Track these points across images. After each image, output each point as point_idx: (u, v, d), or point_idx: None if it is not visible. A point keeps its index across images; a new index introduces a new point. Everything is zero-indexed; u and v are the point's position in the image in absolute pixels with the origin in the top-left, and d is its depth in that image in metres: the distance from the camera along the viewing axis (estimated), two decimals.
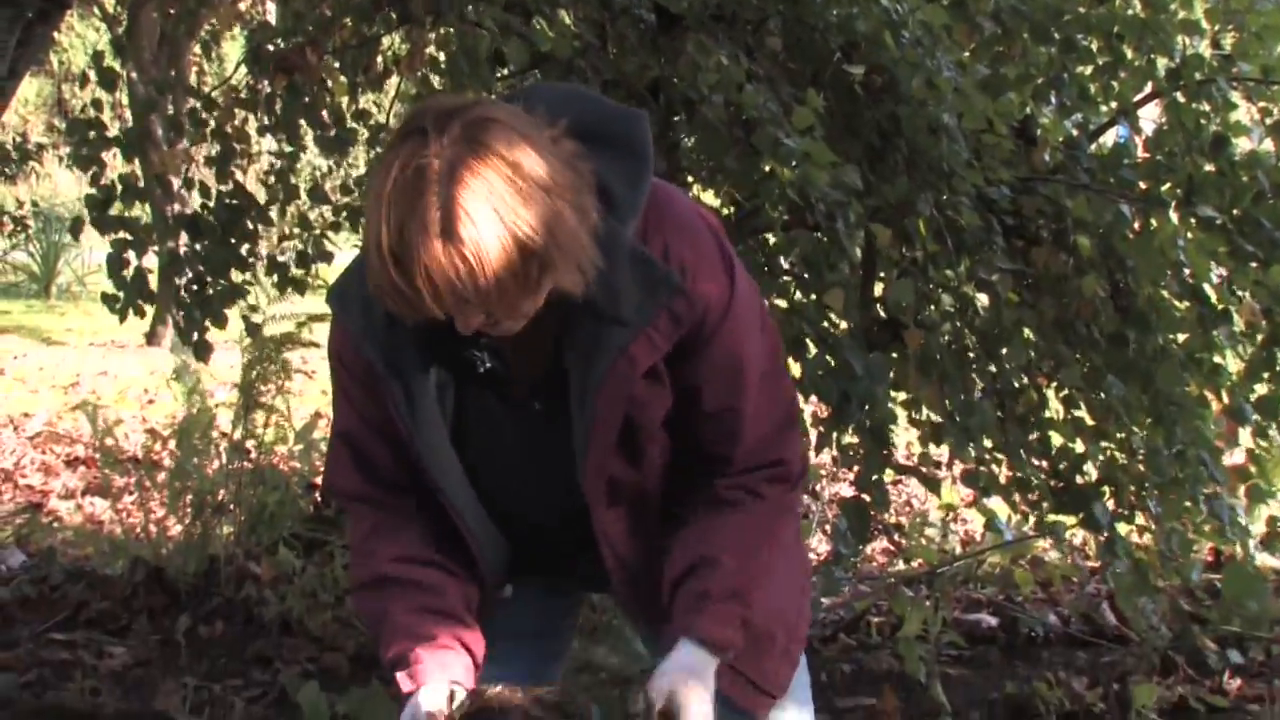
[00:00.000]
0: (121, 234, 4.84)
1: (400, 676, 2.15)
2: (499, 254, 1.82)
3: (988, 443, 4.43)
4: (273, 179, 5.38)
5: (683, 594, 2.17)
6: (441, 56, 5.39)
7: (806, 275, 4.48)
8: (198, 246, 4.96)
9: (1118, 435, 4.55)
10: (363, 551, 2.29)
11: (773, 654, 2.32)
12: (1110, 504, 4.51)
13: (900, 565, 6.31)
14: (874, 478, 4.14)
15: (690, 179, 4.84)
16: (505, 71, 4.80)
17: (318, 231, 5.48)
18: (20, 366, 11.39)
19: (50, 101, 23.04)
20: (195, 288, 5.00)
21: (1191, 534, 4.73)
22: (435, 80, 5.39)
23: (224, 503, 5.51)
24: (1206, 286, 4.47)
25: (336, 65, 5.22)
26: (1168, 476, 4.43)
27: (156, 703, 4.39)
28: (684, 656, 2.12)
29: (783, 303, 4.38)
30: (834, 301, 4.06)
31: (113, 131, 5.02)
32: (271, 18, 5.38)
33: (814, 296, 4.33)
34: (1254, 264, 4.32)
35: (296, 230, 5.50)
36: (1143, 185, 4.49)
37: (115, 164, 5.14)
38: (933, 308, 4.43)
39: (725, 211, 4.72)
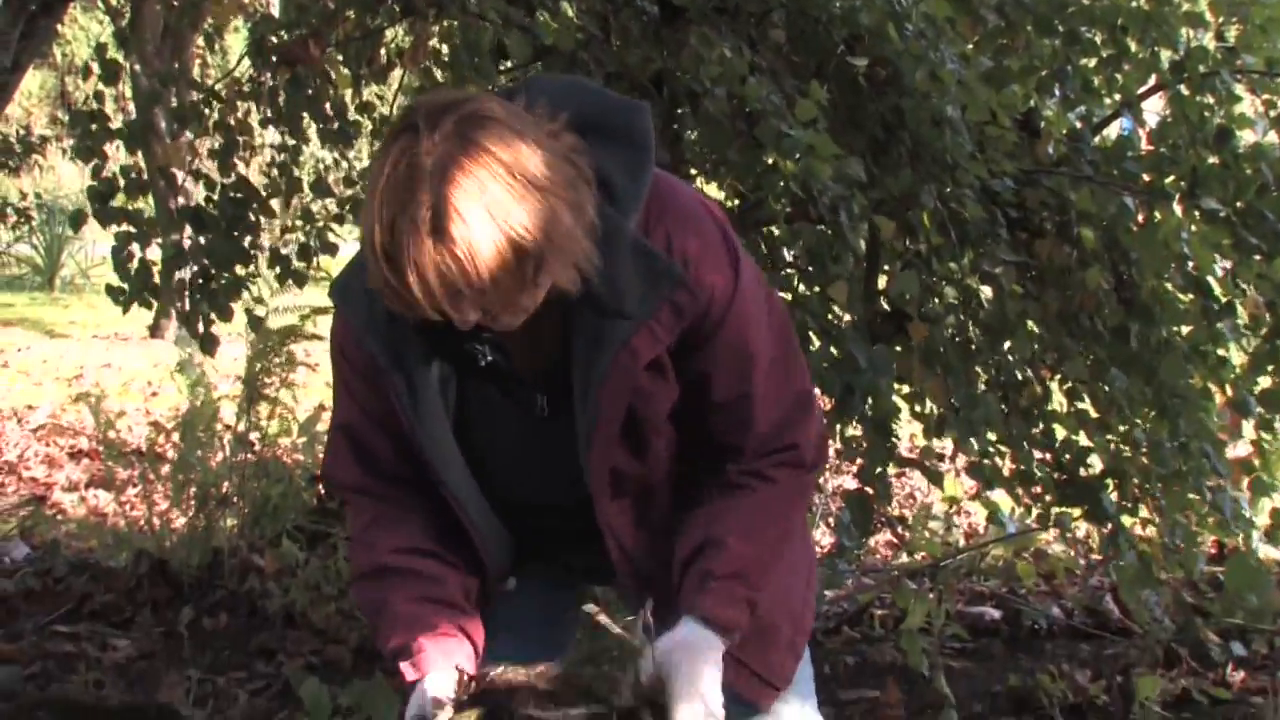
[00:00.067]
0: (125, 226, 4.84)
1: (404, 666, 2.15)
2: (491, 253, 1.81)
3: (991, 435, 4.42)
4: (275, 172, 5.38)
5: (689, 575, 2.17)
6: (444, 49, 5.39)
7: (810, 268, 4.48)
8: (202, 239, 4.96)
9: (1121, 428, 4.55)
10: (362, 543, 2.29)
11: (778, 645, 2.32)
12: (1114, 497, 4.51)
13: (903, 558, 6.32)
14: (877, 470, 4.14)
15: (694, 171, 4.84)
16: (508, 64, 4.80)
17: (320, 224, 5.48)
18: (24, 359, 11.40)
19: (54, 94, 23.06)
20: (200, 281, 5.00)
21: (1195, 527, 4.73)
22: (438, 73, 5.39)
23: (227, 495, 5.51)
24: (1210, 279, 4.46)
25: (340, 58, 5.22)
26: (1171, 469, 4.43)
27: (160, 695, 4.39)
28: (683, 632, 2.11)
29: (786, 295, 4.38)
30: (837, 294, 4.06)
31: (116, 124, 5.02)
32: (275, 10, 5.37)
33: (817, 289, 4.33)
34: (1258, 256, 4.32)
35: (299, 223, 5.50)
36: (1146, 178, 4.48)
37: (118, 156, 5.13)
38: (936, 300, 4.44)
39: (729, 204, 4.72)
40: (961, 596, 5.55)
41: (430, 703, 2.06)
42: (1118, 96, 4.86)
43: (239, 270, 5.02)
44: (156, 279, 4.98)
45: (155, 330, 12.25)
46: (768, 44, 4.32)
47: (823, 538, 6.08)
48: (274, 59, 4.96)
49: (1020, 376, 4.59)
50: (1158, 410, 4.44)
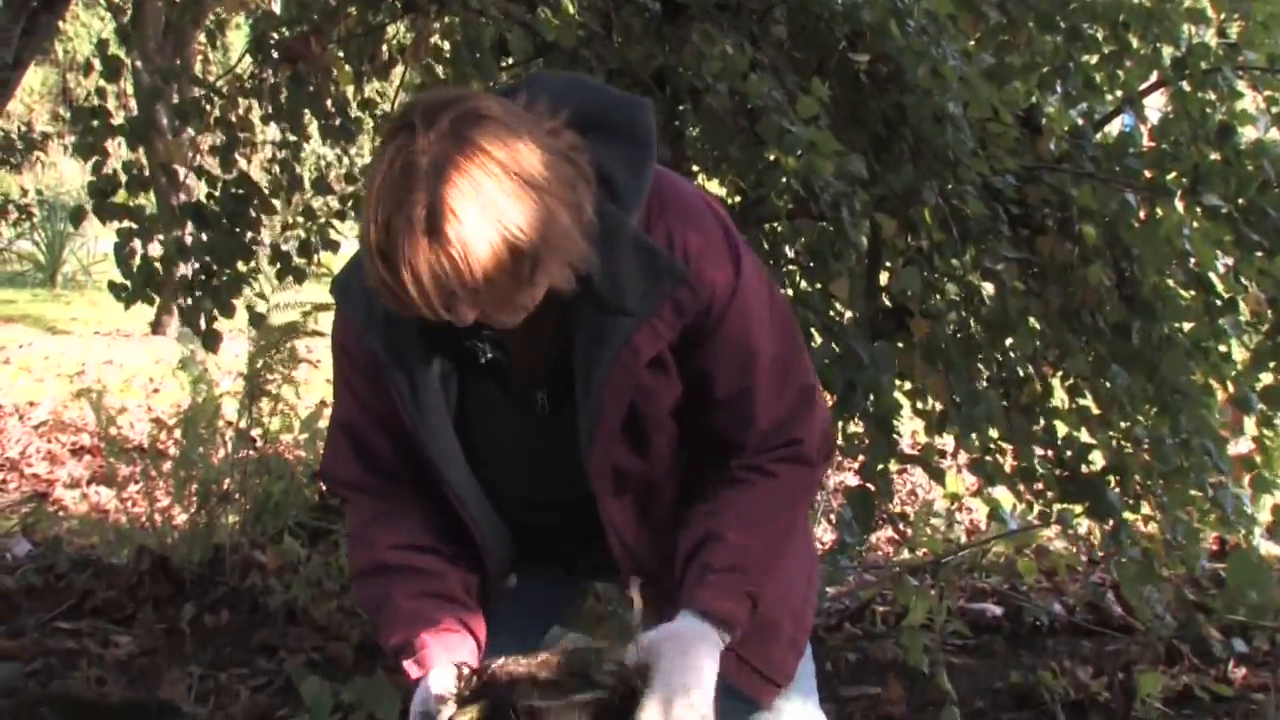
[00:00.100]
0: (127, 223, 4.84)
1: (407, 663, 2.15)
2: (485, 252, 1.81)
3: (993, 432, 4.42)
4: (277, 168, 5.38)
5: (689, 569, 2.17)
6: (446, 46, 5.39)
7: (812, 264, 4.48)
8: (203, 236, 4.96)
9: (1122, 424, 4.54)
10: (361, 540, 2.29)
11: (779, 642, 2.31)
12: (1116, 493, 4.51)
13: (905, 554, 6.31)
14: (879, 467, 4.14)
15: (695, 168, 4.84)
16: (510, 61, 4.80)
17: (322, 220, 5.48)
18: (26, 355, 11.40)
19: (55, 90, 23.04)
20: (202, 277, 5.00)
21: (1196, 523, 4.73)
22: (440, 70, 5.38)
23: (229, 492, 5.52)
24: (1212, 275, 4.46)
25: (341, 54, 5.22)
26: (1172, 466, 4.43)
27: (162, 691, 4.39)
28: (678, 624, 2.10)
29: (788, 292, 4.38)
30: (839, 290, 4.06)
31: (117, 120, 5.02)
32: (276, 6, 5.37)
33: (819, 285, 4.33)
34: (1259, 253, 4.32)
35: (300, 219, 5.50)
36: (1148, 174, 4.48)
37: (120, 152, 5.13)
38: (938, 297, 4.43)
39: (730, 201, 4.72)
40: (963, 593, 5.55)
41: (434, 699, 2.06)
42: (1119, 93, 4.85)
43: (240, 267, 5.02)
44: (159, 275, 4.98)
45: (157, 327, 12.24)
46: (769, 40, 4.32)
47: (825, 534, 6.07)
48: (275, 56, 4.96)
49: (1022, 373, 4.59)
50: (1159, 407, 4.43)
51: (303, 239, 5.36)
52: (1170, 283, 4.53)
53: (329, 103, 5.18)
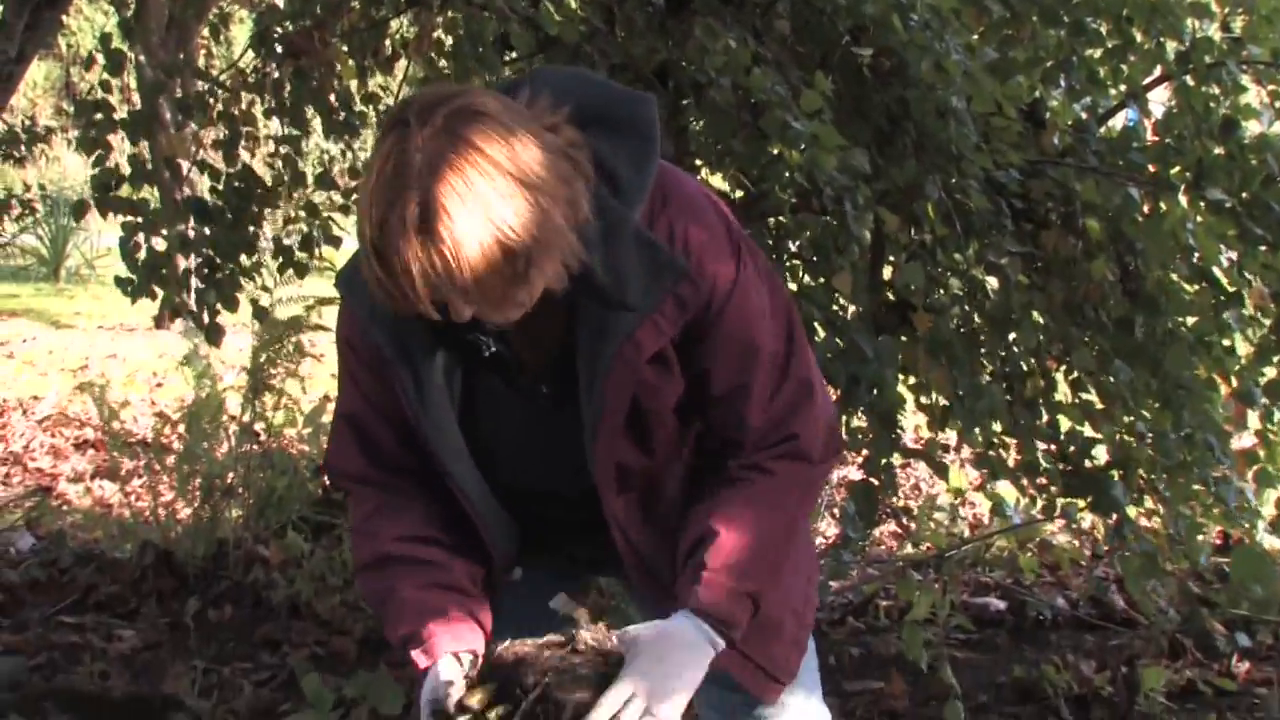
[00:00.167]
0: (130, 216, 4.84)
1: (415, 654, 2.15)
2: (476, 251, 1.81)
3: (996, 426, 4.42)
4: (279, 163, 5.37)
5: (686, 569, 2.17)
6: (449, 40, 5.39)
7: (815, 259, 4.48)
8: (206, 230, 4.96)
9: (1125, 419, 4.54)
10: (365, 532, 2.29)
11: (781, 639, 2.31)
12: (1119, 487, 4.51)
13: (908, 549, 6.32)
14: (882, 461, 4.14)
15: (699, 163, 4.83)
16: (512, 56, 4.79)
17: (325, 215, 5.47)
18: (29, 350, 11.39)
19: (58, 85, 23.04)
20: (205, 271, 5.01)
21: (1200, 517, 4.73)
22: (442, 64, 5.38)
23: (233, 486, 5.52)
24: (1216, 270, 4.46)
25: (344, 49, 5.21)
26: (1176, 460, 4.43)
27: (165, 686, 4.40)
28: (668, 623, 2.10)
29: (791, 286, 4.38)
30: (842, 285, 4.06)
31: (121, 114, 5.02)
32: (280, 1, 5.36)
33: (822, 280, 4.33)
34: (1263, 247, 4.31)
35: (302, 214, 5.50)
36: (1152, 168, 4.48)
37: (123, 146, 5.13)
38: (941, 291, 4.43)
39: (733, 195, 4.71)
40: (966, 587, 5.55)
41: (442, 685, 2.07)
42: (1123, 87, 4.85)
43: (244, 261, 5.02)
44: (164, 269, 4.99)
45: (160, 321, 12.23)
46: (773, 35, 4.31)
47: (828, 528, 6.08)
48: (279, 50, 4.95)
49: (1025, 367, 4.59)
50: (1162, 401, 4.43)
51: (305, 233, 5.35)
52: (1174, 277, 4.53)
53: (332, 97, 5.18)
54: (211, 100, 5.15)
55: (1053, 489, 4.61)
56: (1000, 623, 5.29)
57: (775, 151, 3.85)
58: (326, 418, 5.69)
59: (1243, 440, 4.97)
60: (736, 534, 2.14)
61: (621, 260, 2.01)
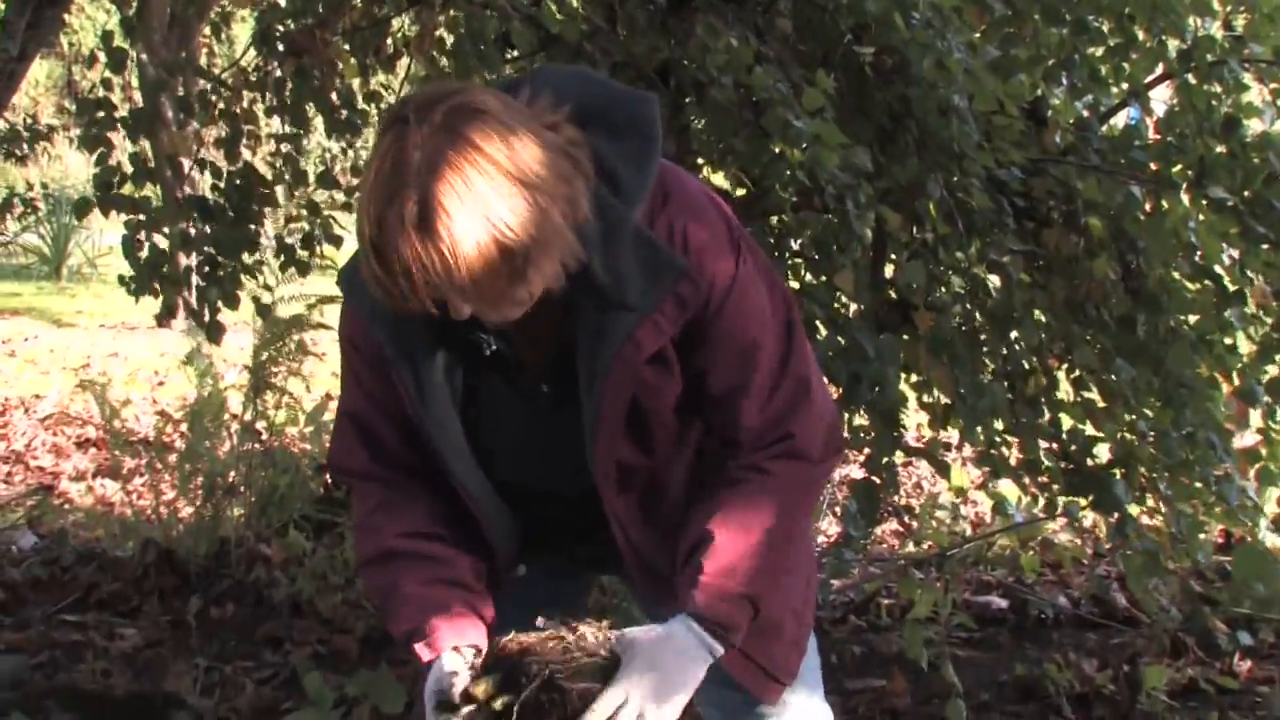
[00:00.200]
0: (133, 214, 4.84)
1: (418, 647, 2.16)
2: (474, 250, 1.81)
3: (998, 424, 4.42)
4: (280, 163, 5.37)
5: (684, 573, 2.17)
6: (450, 39, 5.38)
7: (816, 257, 4.48)
8: (207, 228, 4.96)
9: (1127, 417, 4.54)
10: (368, 527, 2.30)
11: (782, 640, 2.31)
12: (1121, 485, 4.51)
13: (910, 547, 6.32)
14: (884, 460, 4.14)
15: (700, 161, 4.83)
16: (514, 54, 4.79)
17: (326, 214, 5.47)
18: (31, 348, 11.40)
19: (60, 83, 23.06)
20: (206, 269, 5.01)
21: (1202, 516, 4.72)
22: (444, 62, 5.38)
23: (234, 485, 5.52)
24: (1218, 268, 4.46)
25: (346, 47, 5.21)
26: (1177, 458, 4.42)
27: (167, 684, 4.40)
28: (665, 629, 2.10)
29: (793, 284, 4.38)
30: (844, 283, 4.05)
31: (122, 112, 5.02)
32: None
33: (824, 278, 4.33)
34: (1265, 245, 4.31)
35: (303, 213, 5.50)
36: (1154, 167, 4.47)
37: (125, 144, 5.13)
38: (943, 289, 4.43)
39: (735, 194, 4.71)
40: (968, 586, 5.55)
41: (447, 676, 2.07)
42: (1125, 85, 4.85)
43: (245, 258, 5.02)
44: (166, 267, 4.99)
45: (162, 320, 12.23)
46: (774, 33, 4.31)
47: (830, 527, 6.08)
48: (281, 48, 4.95)
49: (1027, 366, 4.58)
50: (1164, 399, 4.43)
51: (306, 231, 5.35)
52: (1176, 275, 4.53)
53: (334, 96, 5.18)
54: (214, 98, 5.15)
55: (1054, 487, 4.61)
56: (1002, 621, 5.29)
57: (777, 150, 3.85)
58: (328, 416, 5.69)
59: (1245, 439, 4.97)
60: (734, 537, 2.14)
61: (621, 260, 2.01)
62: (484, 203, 1.81)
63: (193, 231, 4.98)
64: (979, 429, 4.29)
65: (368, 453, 2.29)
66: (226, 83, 5.20)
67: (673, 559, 2.22)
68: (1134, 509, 4.62)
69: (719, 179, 4.92)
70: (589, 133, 2.00)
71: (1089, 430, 4.56)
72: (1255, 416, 4.78)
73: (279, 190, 5.30)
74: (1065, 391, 4.66)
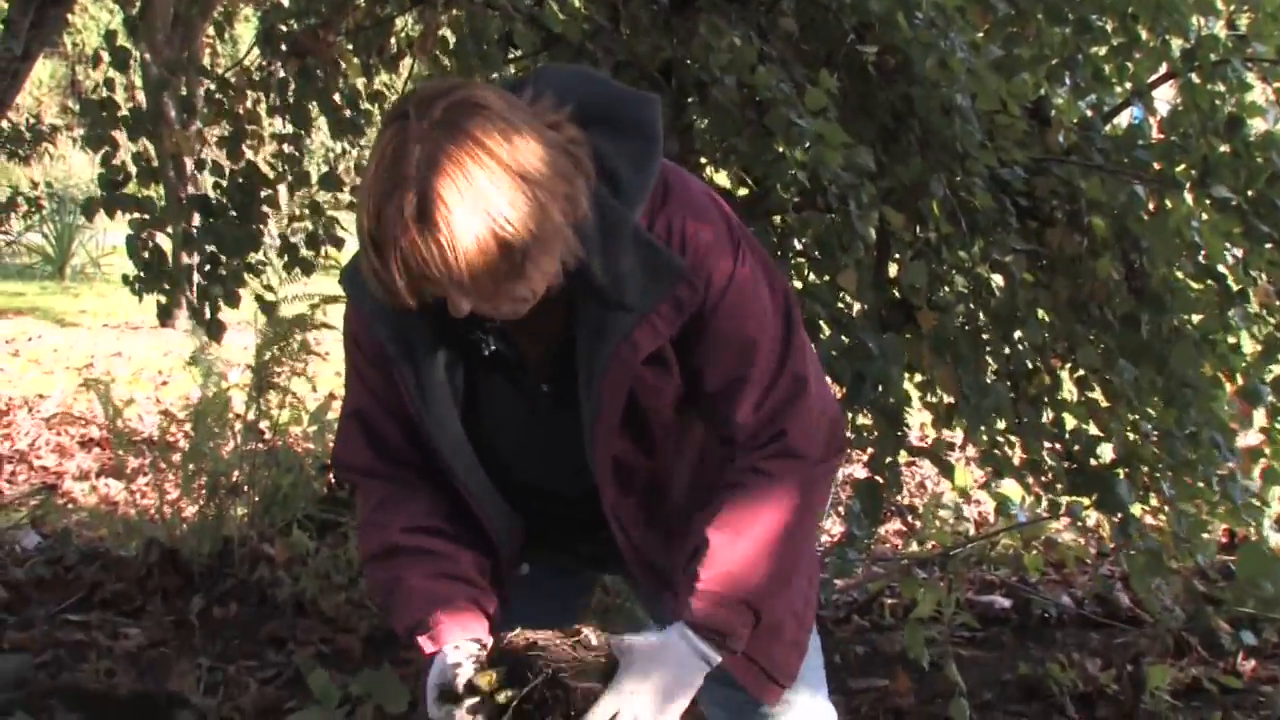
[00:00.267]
0: (138, 214, 4.84)
1: (422, 640, 2.16)
2: (473, 243, 1.81)
3: (1001, 424, 4.42)
4: (281, 165, 5.38)
5: (683, 580, 2.16)
6: (453, 38, 5.39)
7: (820, 256, 4.48)
8: (210, 225, 4.96)
9: (1130, 417, 4.54)
10: (372, 523, 2.30)
11: (783, 641, 2.30)
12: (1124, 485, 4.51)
13: (914, 547, 6.31)
14: (887, 459, 4.14)
15: (703, 160, 4.83)
16: (517, 54, 4.79)
17: (329, 213, 5.48)
18: (35, 348, 11.41)
19: (64, 83, 23.09)
20: (207, 267, 5.01)
21: (1205, 515, 4.72)
22: (446, 62, 5.39)
23: (238, 484, 5.52)
24: (1221, 267, 4.45)
25: (349, 47, 5.22)
26: (1181, 458, 4.42)
27: (170, 683, 4.40)
28: (663, 638, 2.10)
29: (796, 284, 4.38)
30: (847, 283, 4.05)
31: (125, 111, 5.02)
32: None
33: (827, 278, 4.32)
34: (1269, 245, 4.31)
35: (306, 212, 5.50)
36: (1157, 166, 4.47)
37: (130, 145, 5.14)
38: (946, 289, 4.43)
39: (737, 193, 4.71)
40: (971, 585, 5.55)
41: (450, 668, 2.07)
42: (1128, 85, 4.84)
43: (248, 257, 5.03)
44: (168, 266, 5.00)
45: (165, 319, 12.23)
46: (777, 32, 4.31)
47: (833, 526, 6.08)
48: (284, 48, 4.96)
49: (1030, 365, 4.58)
50: (1167, 399, 4.43)
51: (310, 231, 5.36)
52: (1179, 275, 4.53)
53: (337, 96, 5.18)
54: (220, 97, 5.15)
55: (1058, 487, 4.61)
56: (1005, 620, 5.28)
57: (780, 149, 3.85)
58: (331, 416, 5.69)
59: (1248, 438, 4.97)
60: (732, 541, 2.13)
61: (620, 260, 2.01)
62: (484, 197, 1.81)
63: (195, 230, 4.98)
64: (982, 428, 4.29)
65: (372, 450, 2.29)
66: (230, 82, 5.20)
67: (675, 559, 2.21)
68: (1137, 509, 4.62)
69: (721, 179, 4.92)
70: (590, 133, 2.00)
71: (1092, 430, 4.56)
72: (1259, 416, 4.78)
73: (281, 190, 5.29)
74: (1068, 391, 4.66)
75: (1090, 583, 5.63)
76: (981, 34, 4.59)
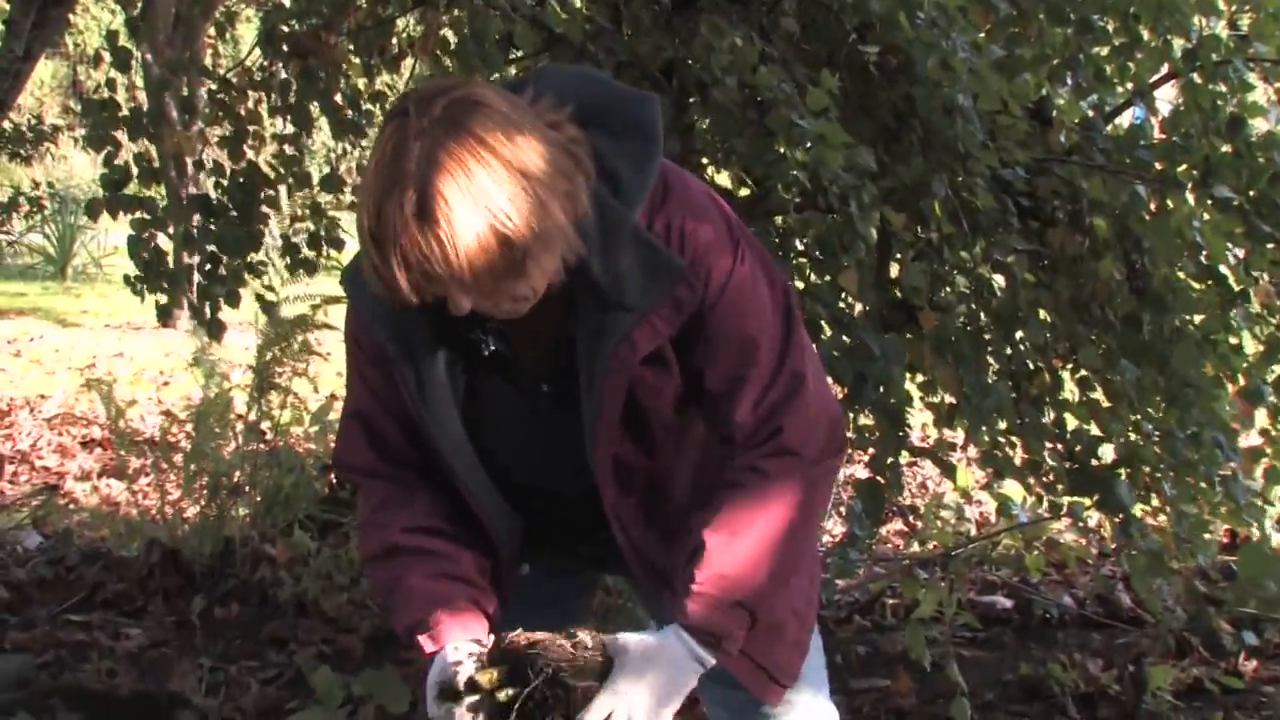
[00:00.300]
0: (140, 214, 4.85)
1: (422, 639, 2.16)
2: (473, 240, 1.81)
3: (1002, 424, 4.42)
4: (281, 168, 5.38)
5: (680, 582, 2.16)
6: (454, 39, 5.39)
7: (821, 257, 4.48)
8: (210, 225, 4.97)
9: (1132, 417, 4.54)
10: (373, 523, 2.30)
11: (784, 641, 2.29)
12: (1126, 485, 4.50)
13: (915, 547, 6.31)
14: (889, 459, 4.14)
15: (704, 161, 4.83)
16: (518, 54, 4.79)
17: (330, 214, 5.47)
18: (36, 348, 11.41)
19: (65, 83, 23.10)
20: (208, 266, 5.01)
21: (1207, 515, 4.72)
22: (448, 62, 5.38)
23: (240, 485, 5.52)
24: (1223, 267, 4.45)
25: (351, 47, 5.22)
26: (1182, 458, 4.42)
27: (172, 684, 4.40)
28: (659, 639, 2.10)
29: (797, 284, 4.37)
30: (848, 283, 4.05)
31: (127, 111, 5.03)
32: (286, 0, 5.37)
33: (828, 278, 4.32)
34: (1270, 245, 4.31)
35: (307, 212, 5.50)
36: (1159, 166, 4.47)
37: (131, 145, 5.14)
38: (948, 289, 4.43)
39: (738, 193, 4.71)
40: (973, 585, 5.55)
41: (450, 667, 2.07)
42: (1130, 85, 4.84)
43: (249, 257, 5.03)
44: (169, 266, 5.00)
45: (167, 319, 12.24)
46: (779, 33, 4.31)
47: (835, 527, 6.07)
48: (285, 49, 4.96)
49: (1031, 365, 4.58)
50: (1169, 399, 4.42)
51: (312, 231, 5.36)
52: (1181, 275, 4.53)
53: (339, 97, 5.18)
54: (221, 97, 5.16)
55: (1059, 487, 4.60)
56: (1007, 621, 5.28)
57: (781, 150, 3.85)
58: (333, 416, 5.69)
59: (1249, 438, 4.97)
60: (729, 542, 2.13)
61: (619, 259, 2.01)
62: (484, 194, 1.81)
63: (195, 230, 4.98)
64: (984, 429, 4.29)
65: (373, 451, 2.29)
66: (231, 83, 5.20)
67: (675, 559, 2.21)
68: (1139, 509, 4.62)
69: (722, 179, 4.92)
70: (590, 132, 2.00)
71: (1094, 430, 4.56)
72: (1261, 416, 4.78)
73: (282, 190, 5.29)
74: (1070, 391, 4.66)
75: (1092, 583, 5.63)
76: (983, 34, 4.59)
